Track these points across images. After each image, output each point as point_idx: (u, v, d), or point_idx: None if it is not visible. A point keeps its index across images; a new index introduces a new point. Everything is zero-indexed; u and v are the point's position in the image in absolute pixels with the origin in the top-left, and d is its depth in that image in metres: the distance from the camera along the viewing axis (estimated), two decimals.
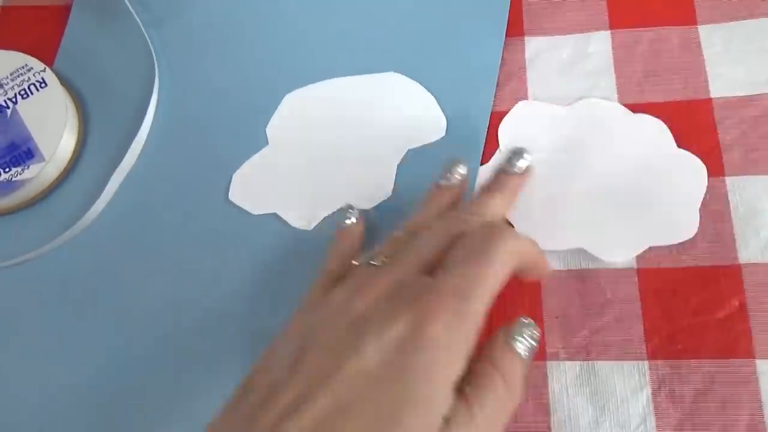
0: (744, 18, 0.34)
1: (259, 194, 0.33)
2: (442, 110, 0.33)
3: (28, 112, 0.34)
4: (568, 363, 0.29)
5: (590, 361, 0.29)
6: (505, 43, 0.35)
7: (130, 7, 0.36)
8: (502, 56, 0.34)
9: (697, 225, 0.30)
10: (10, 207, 0.33)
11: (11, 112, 0.34)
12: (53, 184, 0.34)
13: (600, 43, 0.34)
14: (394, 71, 0.34)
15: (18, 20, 0.38)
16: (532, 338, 0.24)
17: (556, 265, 0.31)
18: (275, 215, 0.32)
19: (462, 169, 0.29)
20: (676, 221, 0.31)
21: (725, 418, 0.28)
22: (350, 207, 0.30)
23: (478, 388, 0.22)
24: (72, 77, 0.36)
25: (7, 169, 0.33)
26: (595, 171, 0.32)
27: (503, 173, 0.29)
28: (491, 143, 0.33)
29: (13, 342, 0.32)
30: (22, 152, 0.33)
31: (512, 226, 0.31)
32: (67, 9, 0.38)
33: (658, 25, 0.34)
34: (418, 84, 0.34)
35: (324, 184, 0.33)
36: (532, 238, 0.26)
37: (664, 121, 0.32)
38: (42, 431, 0.30)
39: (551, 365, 0.29)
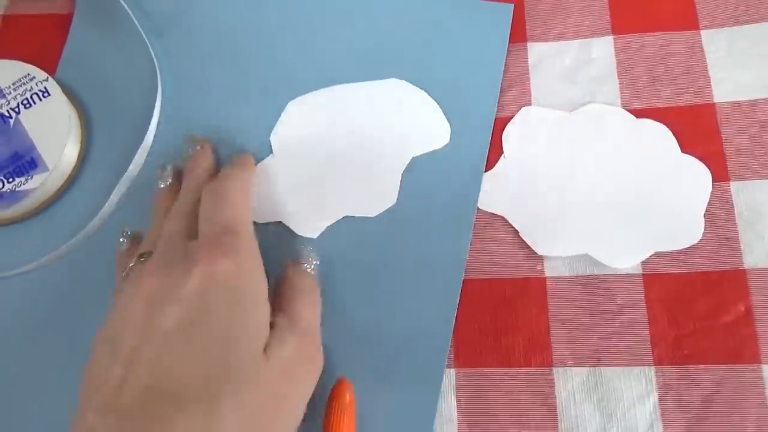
0: (746, 22, 0.34)
1: (263, 202, 0.33)
2: (447, 117, 0.33)
3: (31, 121, 0.34)
4: (575, 369, 0.29)
5: (597, 368, 0.29)
6: (508, 49, 0.35)
7: (132, 16, 0.36)
8: (505, 62, 0.34)
9: (702, 230, 0.30)
10: (13, 217, 0.33)
11: (14, 122, 0.34)
12: (56, 193, 0.34)
13: (603, 49, 0.34)
14: (398, 78, 0.34)
15: (19, 29, 0.38)
16: (315, 261, 0.30)
17: (561, 271, 0.31)
18: (280, 223, 0.32)
19: (169, 170, 0.32)
20: (681, 227, 0.31)
21: (732, 424, 0.28)
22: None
23: (286, 299, 0.27)
24: (74, 86, 0.36)
25: (10, 180, 0.33)
26: (599, 177, 0.32)
27: (186, 159, 0.32)
28: (495, 149, 0.33)
29: (14, 352, 0.31)
30: (26, 162, 0.33)
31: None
32: (68, 17, 0.38)
33: (661, 30, 0.34)
34: (422, 91, 0.34)
35: (328, 191, 0.33)
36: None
37: (668, 126, 0.32)
38: None
39: (558, 372, 0.29)
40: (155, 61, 0.35)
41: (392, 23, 0.35)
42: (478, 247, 0.31)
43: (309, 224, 0.32)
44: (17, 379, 0.31)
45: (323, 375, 0.28)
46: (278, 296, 0.27)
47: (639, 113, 0.33)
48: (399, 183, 0.32)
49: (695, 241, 0.30)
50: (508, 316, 0.30)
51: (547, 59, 0.34)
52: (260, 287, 0.26)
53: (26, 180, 0.33)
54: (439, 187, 0.32)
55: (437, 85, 0.34)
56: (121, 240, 0.31)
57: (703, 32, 0.34)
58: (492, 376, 0.30)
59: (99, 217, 0.33)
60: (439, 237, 0.31)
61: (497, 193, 0.32)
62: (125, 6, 0.36)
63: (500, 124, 0.33)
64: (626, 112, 0.33)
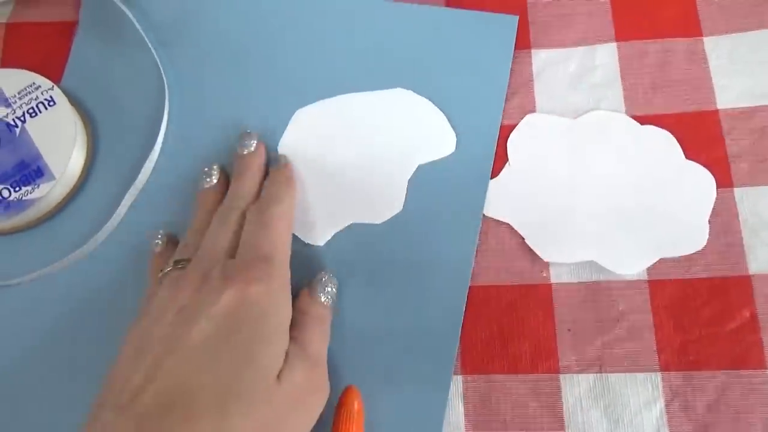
0: (749, 29, 0.34)
1: None
2: (452, 126, 0.33)
3: (37, 130, 0.34)
4: (581, 376, 0.29)
5: (603, 374, 0.29)
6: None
7: (137, 24, 0.36)
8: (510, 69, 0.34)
9: (707, 236, 0.31)
10: (20, 226, 0.33)
11: (20, 131, 0.34)
12: (62, 202, 0.34)
13: (606, 55, 0.34)
14: (404, 88, 0.34)
15: (23, 37, 0.38)
16: (330, 290, 0.30)
17: (567, 277, 0.31)
18: None
19: (216, 170, 0.32)
20: (686, 233, 0.31)
21: (738, 429, 0.28)
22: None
23: (300, 329, 0.27)
24: (80, 95, 0.36)
25: (17, 188, 0.33)
26: (603, 183, 0.32)
27: (238, 157, 0.32)
28: (500, 157, 0.33)
29: (19, 362, 0.31)
30: (32, 171, 0.33)
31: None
32: (72, 25, 0.38)
33: (664, 37, 0.34)
34: (428, 101, 0.34)
35: (335, 199, 0.33)
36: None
37: (671, 133, 0.33)
38: None
39: (564, 378, 0.29)
40: (162, 69, 0.36)
41: (398, 34, 0.35)
42: (483, 253, 0.32)
43: (316, 231, 0.32)
44: (22, 387, 0.31)
45: (331, 382, 0.28)
46: (292, 324, 0.27)
47: (643, 120, 0.33)
48: (405, 190, 0.32)
49: (700, 247, 0.30)
50: (514, 322, 0.31)
51: (551, 66, 0.35)
52: (284, 316, 0.27)
53: (32, 189, 0.33)
54: (445, 194, 0.32)
55: (443, 95, 0.34)
56: (157, 241, 0.31)
57: (705, 39, 0.34)
58: (499, 382, 0.30)
59: (109, 225, 0.33)
60: (445, 244, 0.32)
61: (502, 200, 0.32)
62: (129, 14, 0.36)
63: (505, 132, 0.33)
64: (630, 118, 0.33)
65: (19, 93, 0.34)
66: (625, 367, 0.29)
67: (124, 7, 0.37)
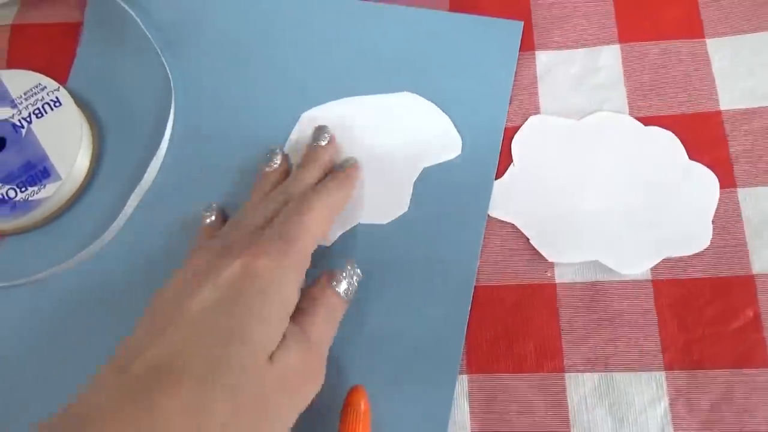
0: (751, 31, 0.34)
1: None
2: (457, 129, 0.34)
3: (43, 131, 0.34)
4: (586, 375, 0.30)
5: (608, 373, 0.30)
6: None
7: (141, 25, 0.36)
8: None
9: (710, 236, 0.31)
10: (27, 226, 0.34)
11: (26, 132, 0.34)
12: (69, 202, 0.34)
13: (610, 57, 0.35)
14: (410, 92, 0.35)
15: (29, 38, 0.38)
16: (351, 282, 0.29)
17: (572, 277, 0.31)
18: None
19: (278, 156, 0.33)
20: (690, 233, 0.31)
21: (742, 427, 0.28)
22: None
23: (306, 314, 0.27)
24: (85, 95, 0.36)
25: (23, 189, 0.33)
26: (607, 184, 0.32)
27: (310, 148, 0.33)
28: (504, 158, 0.33)
29: (25, 361, 0.32)
30: (38, 171, 0.33)
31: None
32: (77, 26, 0.38)
33: (667, 39, 0.35)
34: (433, 104, 0.34)
35: None
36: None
37: (675, 134, 0.33)
38: None
39: (569, 377, 0.30)
40: (168, 70, 0.36)
41: (404, 38, 0.36)
42: (488, 254, 0.32)
43: None
44: (27, 386, 0.31)
45: (337, 382, 0.28)
46: (298, 307, 0.27)
47: (646, 121, 0.33)
48: (411, 192, 0.33)
49: (703, 247, 0.31)
50: (519, 322, 0.31)
51: (555, 68, 0.35)
52: (286, 295, 0.26)
53: (39, 189, 0.33)
54: (450, 195, 0.32)
55: (448, 98, 0.34)
56: (209, 213, 0.32)
57: (708, 41, 0.34)
58: (504, 382, 0.30)
59: (115, 225, 0.33)
60: (450, 244, 0.32)
61: (507, 200, 0.32)
62: (134, 15, 0.37)
63: (509, 133, 0.34)
64: (634, 119, 0.33)
65: (25, 94, 0.35)
66: (630, 366, 0.29)
67: (128, 8, 0.37)
